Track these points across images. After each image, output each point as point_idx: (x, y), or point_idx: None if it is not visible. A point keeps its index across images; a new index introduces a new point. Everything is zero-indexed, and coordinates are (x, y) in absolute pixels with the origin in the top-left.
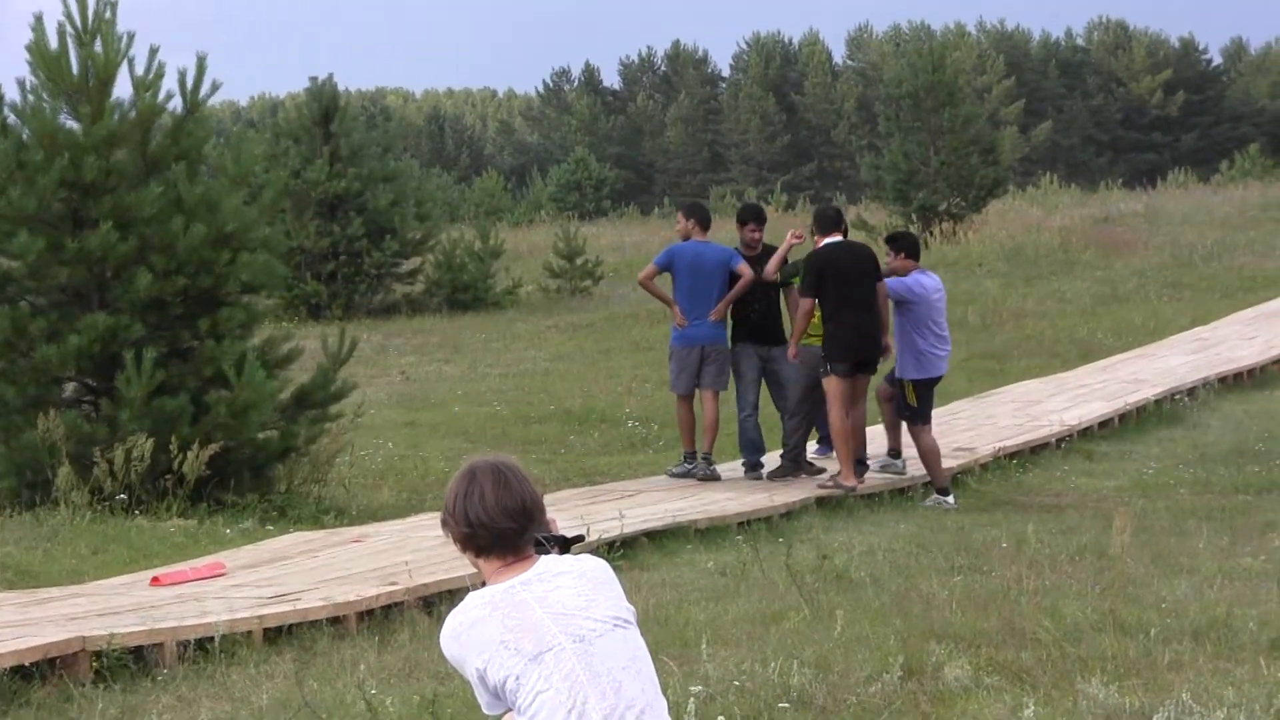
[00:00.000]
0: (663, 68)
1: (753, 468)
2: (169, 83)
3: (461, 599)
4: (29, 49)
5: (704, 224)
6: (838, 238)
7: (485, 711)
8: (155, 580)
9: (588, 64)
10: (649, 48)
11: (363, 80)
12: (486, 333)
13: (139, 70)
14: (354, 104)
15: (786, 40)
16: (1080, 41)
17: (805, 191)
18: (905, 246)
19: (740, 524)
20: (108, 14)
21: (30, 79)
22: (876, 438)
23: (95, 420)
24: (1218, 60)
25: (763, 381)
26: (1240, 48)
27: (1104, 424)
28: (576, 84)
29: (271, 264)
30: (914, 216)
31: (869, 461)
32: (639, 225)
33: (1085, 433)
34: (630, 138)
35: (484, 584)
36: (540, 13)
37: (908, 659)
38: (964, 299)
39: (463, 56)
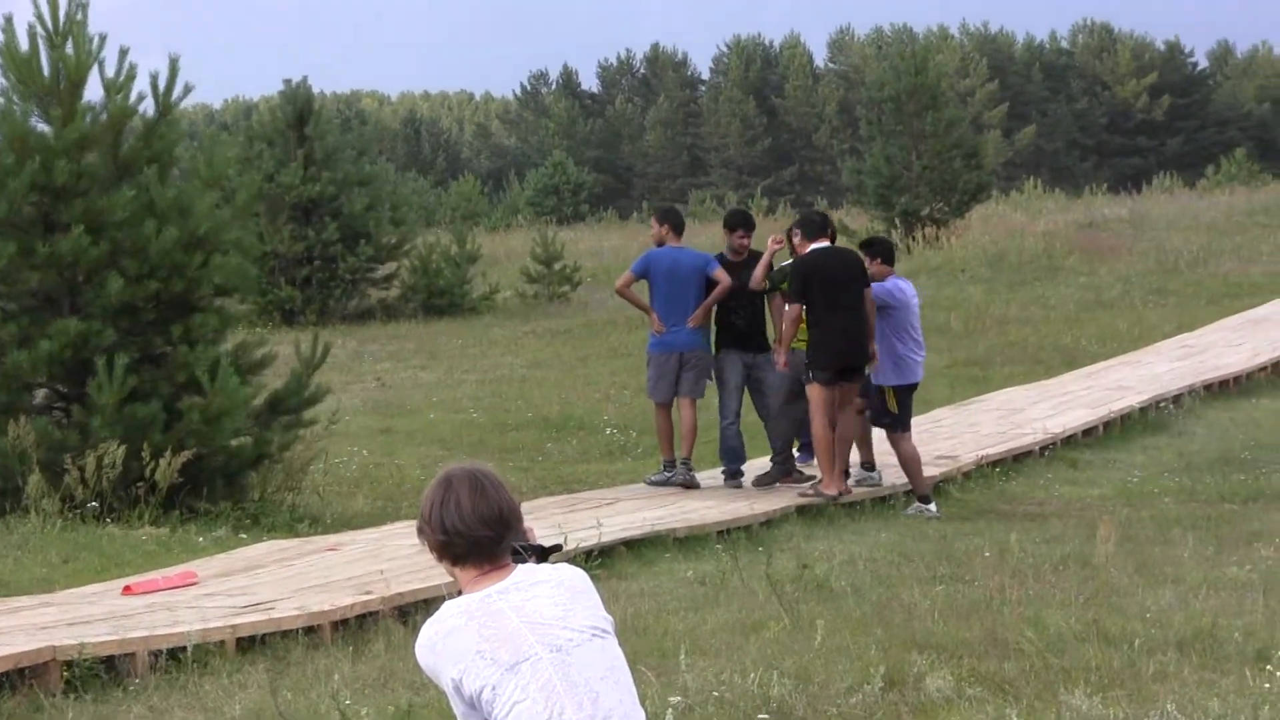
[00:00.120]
0: (642, 70)
1: (732, 476)
2: (141, 84)
3: (437, 608)
4: None
5: (678, 229)
6: (825, 243)
7: None
8: (127, 589)
9: (565, 66)
10: (628, 50)
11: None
12: (463, 339)
13: (110, 72)
14: (329, 107)
15: (767, 42)
16: (1065, 44)
17: (786, 196)
18: (881, 252)
19: (720, 533)
20: (79, 15)
21: (0, 81)
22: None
23: (66, 427)
24: (1204, 64)
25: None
26: (1226, 51)
27: (1088, 432)
28: (554, 87)
29: (244, 266)
30: (896, 221)
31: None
32: (617, 230)
33: (1069, 440)
34: (609, 141)
35: (460, 593)
36: (517, 14)
37: (889, 670)
38: (947, 305)
39: (439, 59)
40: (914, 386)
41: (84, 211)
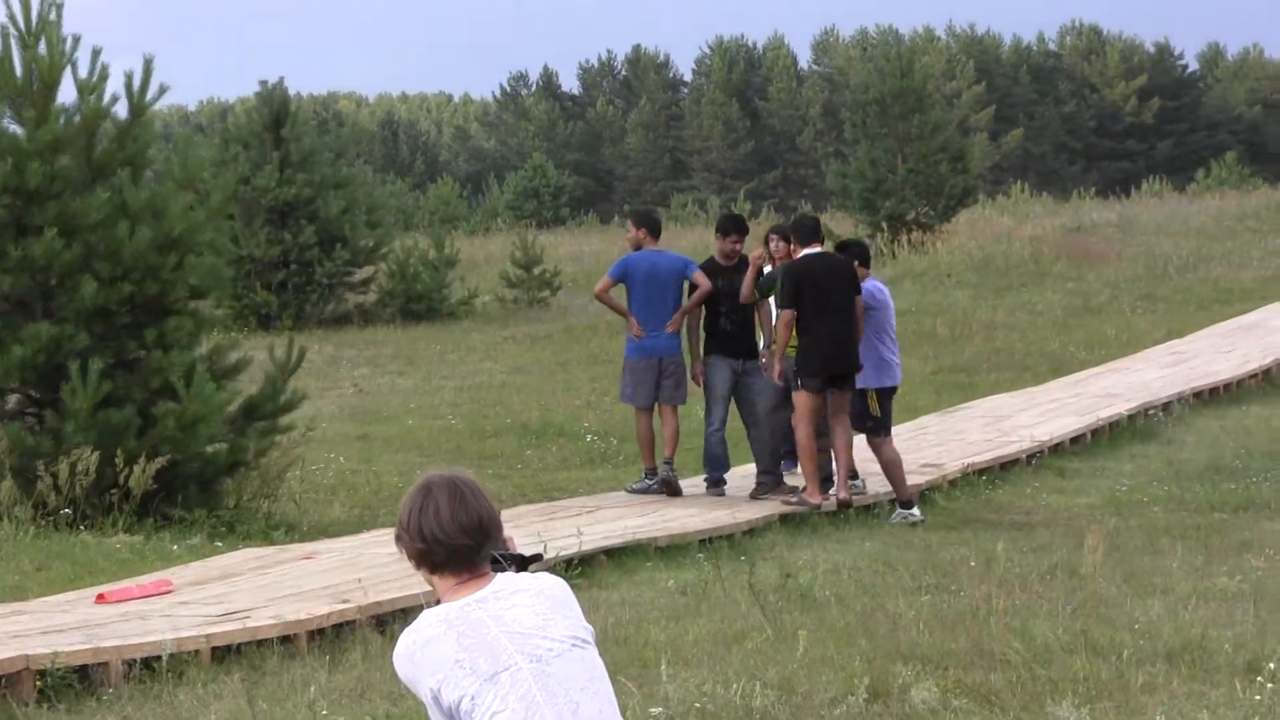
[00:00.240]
0: (623, 72)
1: (715, 484)
2: (114, 85)
3: (415, 617)
4: None
5: (655, 232)
6: (817, 249)
7: None
8: (101, 597)
9: (546, 68)
10: (609, 51)
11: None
12: (441, 344)
13: (83, 73)
14: (305, 109)
15: (750, 44)
16: (1052, 46)
17: (769, 200)
18: (858, 254)
19: (702, 541)
20: (52, 15)
21: None
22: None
23: (39, 433)
24: (1193, 66)
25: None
26: (1217, 53)
27: (1076, 439)
28: (534, 88)
29: (218, 267)
30: (882, 226)
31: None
32: (598, 234)
33: (1056, 448)
34: (589, 144)
35: (439, 602)
36: (497, 15)
37: (873, 680)
38: (932, 310)
39: (417, 60)
40: (895, 389)
41: (57, 214)
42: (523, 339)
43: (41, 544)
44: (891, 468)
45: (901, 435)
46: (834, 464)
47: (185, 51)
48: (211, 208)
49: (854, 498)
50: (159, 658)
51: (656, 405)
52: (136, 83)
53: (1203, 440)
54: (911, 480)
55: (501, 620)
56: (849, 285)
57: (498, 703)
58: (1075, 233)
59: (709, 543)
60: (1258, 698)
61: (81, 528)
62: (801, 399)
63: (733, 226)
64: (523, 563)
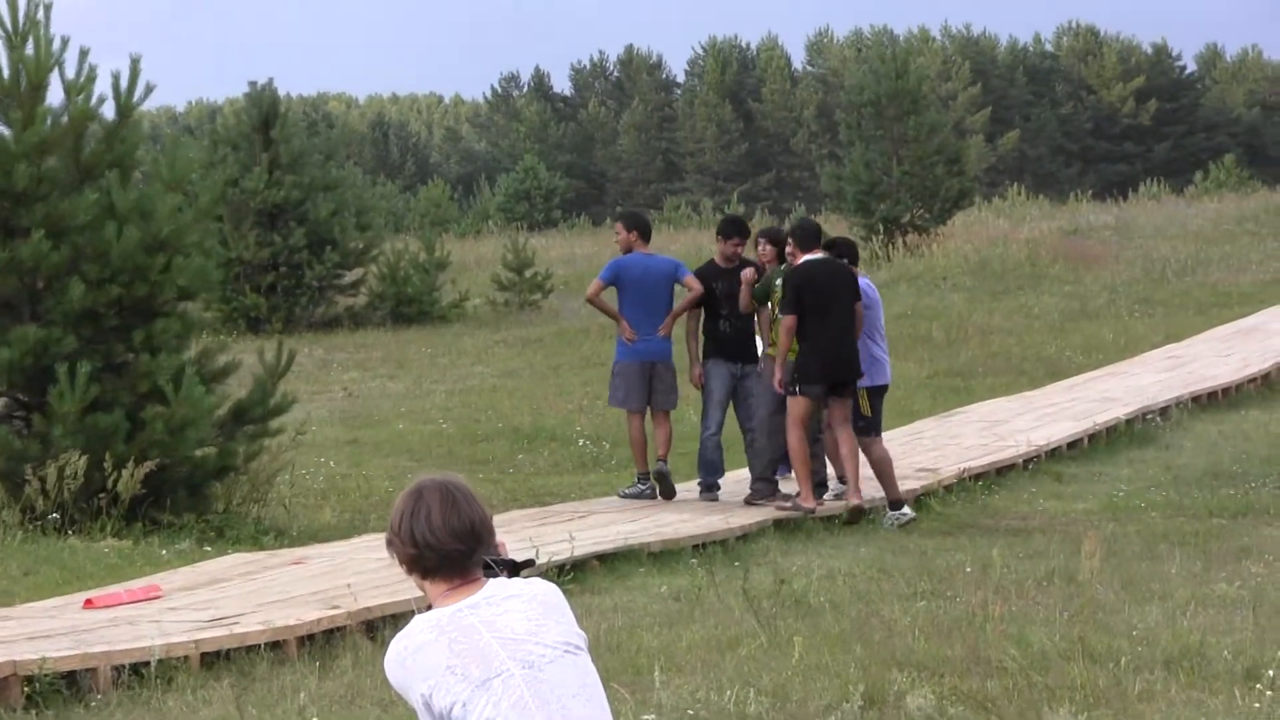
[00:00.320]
0: (615, 73)
1: (708, 489)
2: (102, 86)
3: (406, 623)
4: None
5: (645, 235)
6: (818, 254)
7: None
8: (89, 603)
9: (537, 69)
10: (601, 52)
11: (304, 85)
12: (432, 347)
13: (70, 74)
14: (295, 110)
15: (744, 45)
16: (1049, 47)
17: (763, 202)
18: (846, 252)
19: (695, 547)
20: (40, 15)
21: None
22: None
23: (27, 437)
24: (1192, 67)
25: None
26: (1215, 54)
27: (1073, 444)
28: (526, 89)
29: (206, 268)
30: (877, 228)
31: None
32: (590, 236)
33: (1053, 453)
34: (581, 146)
35: (430, 607)
36: (488, 15)
37: (868, 688)
38: (928, 314)
39: (408, 61)
40: (885, 388)
41: (45, 216)
42: (514, 342)
43: (29, 549)
44: (882, 467)
45: (897, 440)
46: (829, 469)
47: (174, 52)
48: (200, 209)
49: (831, 504)
50: (148, 664)
51: (648, 409)
52: (124, 83)
53: (1201, 445)
54: (907, 485)
55: (494, 626)
56: (849, 291)
57: (490, 709)
58: (1072, 236)
59: (702, 548)
60: (1257, 705)
61: (69, 532)
62: (795, 404)
63: (734, 229)
64: (515, 568)
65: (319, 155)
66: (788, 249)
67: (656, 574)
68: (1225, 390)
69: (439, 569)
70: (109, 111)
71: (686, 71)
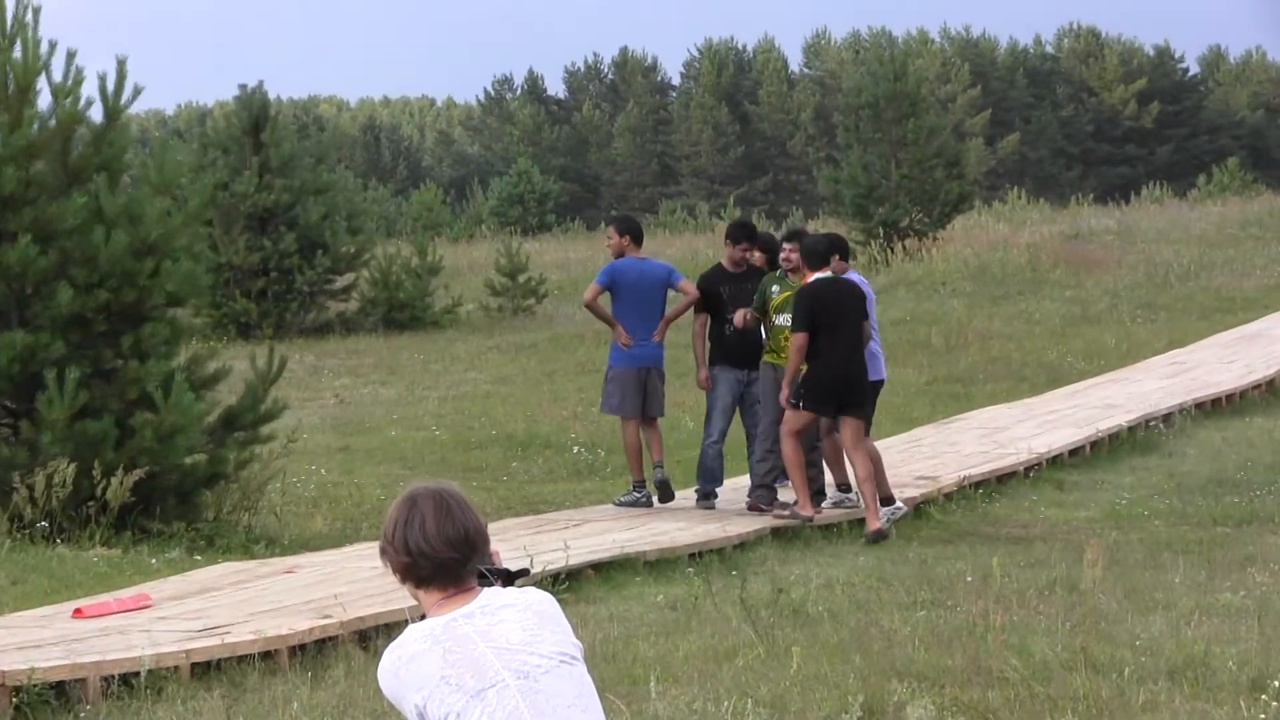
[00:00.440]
0: (610, 76)
1: (705, 497)
2: (89, 89)
3: (400, 632)
4: None
5: (638, 239)
6: (827, 273)
7: None
8: (78, 612)
9: (531, 71)
10: (595, 54)
11: (295, 88)
12: (425, 353)
13: (57, 76)
14: (285, 113)
15: (740, 47)
16: (1049, 49)
17: (760, 206)
18: (838, 248)
19: (691, 555)
20: (28, 17)
21: None
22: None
23: (14, 444)
24: (1195, 69)
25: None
26: (1219, 56)
27: (1074, 452)
28: (519, 92)
29: (195, 273)
30: (875, 233)
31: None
32: (584, 241)
33: (1055, 461)
34: (576, 149)
35: (424, 617)
36: (481, 17)
37: (868, 698)
38: (927, 319)
39: (400, 63)
40: (881, 383)
41: (32, 220)
42: (508, 348)
43: (17, 557)
44: (870, 462)
45: (895, 447)
46: (829, 477)
47: (163, 54)
48: (189, 213)
49: (850, 511)
50: (137, 674)
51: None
52: (110, 85)
53: (1205, 452)
54: (906, 493)
55: (488, 636)
56: (858, 309)
57: (485, 719)
58: (1073, 240)
59: (699, 557)
60: (1262, 716)
61: (58, 541)
62: (793, 416)
63: (743, 234)
64: (509, 577)
65: (310, 159)
66: (782, 254)
67: (653, 583)
68: (1229, 397)
69: (433, 578)
70: (97, 114)
71: (682, 74)
